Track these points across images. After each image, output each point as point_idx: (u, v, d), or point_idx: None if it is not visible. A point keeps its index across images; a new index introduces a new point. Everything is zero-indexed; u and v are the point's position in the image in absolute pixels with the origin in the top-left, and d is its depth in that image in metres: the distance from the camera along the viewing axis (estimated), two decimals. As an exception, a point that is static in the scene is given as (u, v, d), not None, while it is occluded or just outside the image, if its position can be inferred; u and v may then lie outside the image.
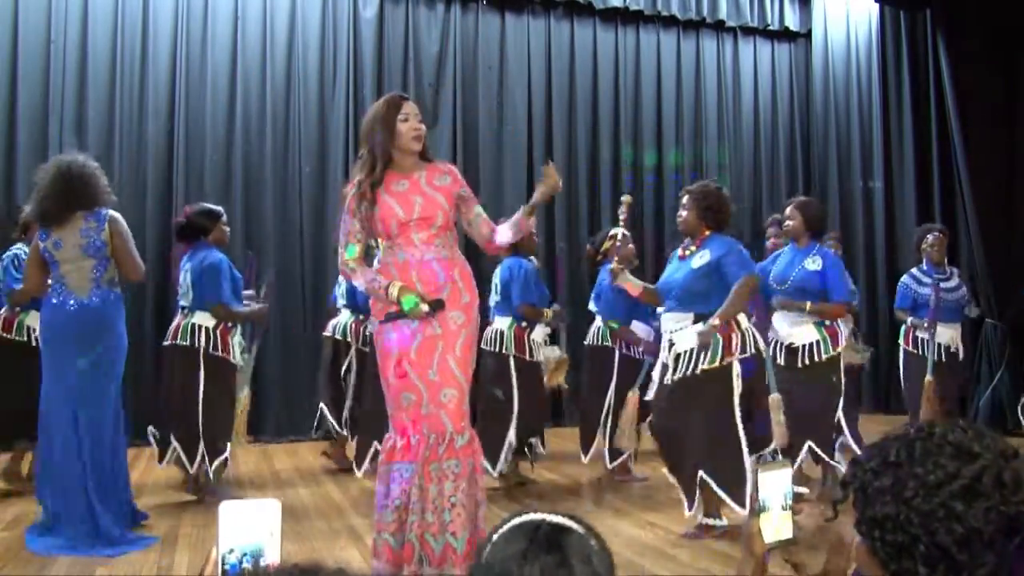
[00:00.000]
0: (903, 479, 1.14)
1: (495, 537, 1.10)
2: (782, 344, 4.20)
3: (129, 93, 6.40)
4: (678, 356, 3.64)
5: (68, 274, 3.62)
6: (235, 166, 6.64)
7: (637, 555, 3.41)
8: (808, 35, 8.51)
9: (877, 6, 8.16)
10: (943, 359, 5.13)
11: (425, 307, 2.72)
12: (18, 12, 6.14)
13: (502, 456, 4.66)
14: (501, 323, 4.79)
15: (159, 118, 6.47)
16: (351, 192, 2.89)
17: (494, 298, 4.87)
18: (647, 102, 7.97)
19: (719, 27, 8.21)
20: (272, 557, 1.12)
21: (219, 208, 4.58)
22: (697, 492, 3.57)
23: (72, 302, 3.61)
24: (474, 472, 2.78)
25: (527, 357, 4.76)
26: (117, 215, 3.73)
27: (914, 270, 5.40)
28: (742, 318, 3.69)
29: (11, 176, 6.11)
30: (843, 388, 4.18)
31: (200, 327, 4.30)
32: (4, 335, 4.61)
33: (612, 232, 4.67)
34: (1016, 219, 6.86)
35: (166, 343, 4.46)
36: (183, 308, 4.41)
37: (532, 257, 4.96)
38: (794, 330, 4.17)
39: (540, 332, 4.86)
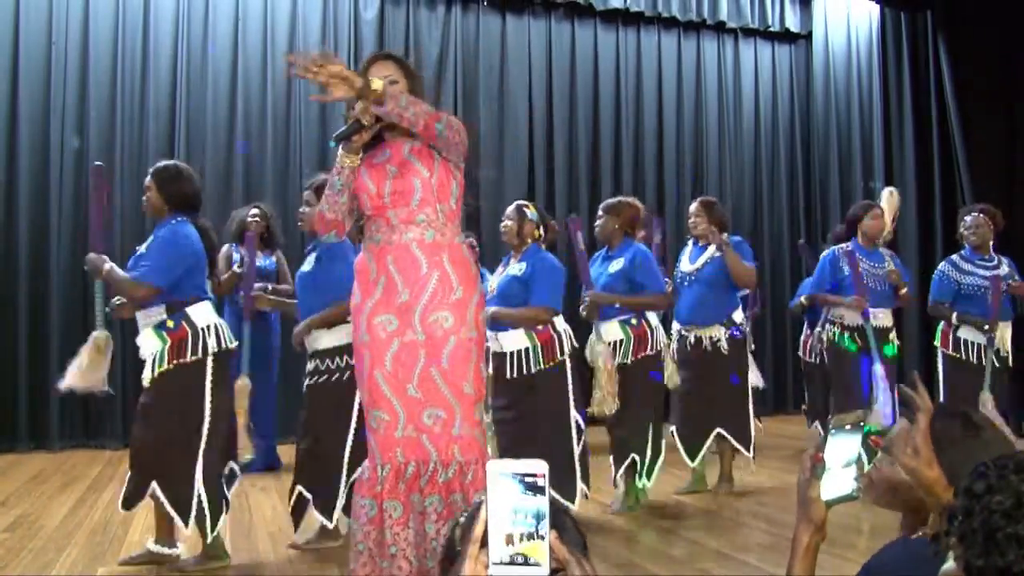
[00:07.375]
0: None
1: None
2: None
3: (130, 93, 6.41)
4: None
5: None
6: (235, 166, 6.64)
7: (635, 554, 3.42)
8: (809, 36, 8.51)
9: (878, 7, 8.16)
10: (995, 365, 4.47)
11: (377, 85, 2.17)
12: (19, 12, 6.15)
13: None
14: None
15: (160, 118, 6.48)
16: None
17: None
18: (648, 103, 7.97)
19: (720, 28, 8.22)
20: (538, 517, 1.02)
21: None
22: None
23: None
24: None
25: None
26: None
27: (955, 257, 4.84)
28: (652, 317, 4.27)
29: (13, 176, 6.13)
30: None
31: None
32: None
33: None
34: (1017, 219, 6.85)
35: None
36: None
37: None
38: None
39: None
